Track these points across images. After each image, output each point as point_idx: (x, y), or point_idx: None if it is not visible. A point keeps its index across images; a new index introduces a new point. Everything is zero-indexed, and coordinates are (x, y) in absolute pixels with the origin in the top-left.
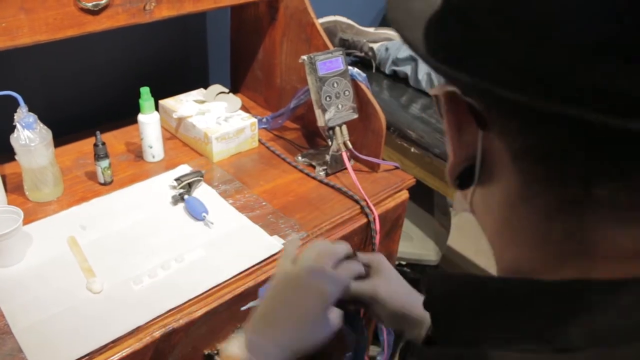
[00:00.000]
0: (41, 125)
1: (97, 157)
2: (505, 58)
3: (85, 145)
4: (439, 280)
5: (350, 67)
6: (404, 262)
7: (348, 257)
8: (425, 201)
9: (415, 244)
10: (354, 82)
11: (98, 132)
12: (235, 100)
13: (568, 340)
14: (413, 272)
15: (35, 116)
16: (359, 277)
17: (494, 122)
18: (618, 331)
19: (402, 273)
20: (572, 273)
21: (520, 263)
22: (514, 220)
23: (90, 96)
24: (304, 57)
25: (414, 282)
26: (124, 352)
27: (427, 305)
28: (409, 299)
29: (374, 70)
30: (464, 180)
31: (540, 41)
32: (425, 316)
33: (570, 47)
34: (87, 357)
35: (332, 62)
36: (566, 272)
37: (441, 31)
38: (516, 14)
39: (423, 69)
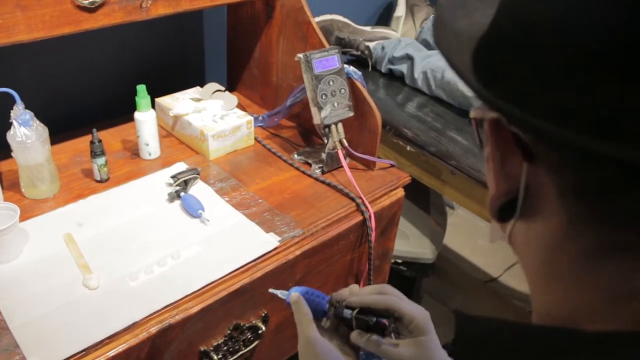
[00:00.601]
0: (37, 122)
1: (94, 155)
2: (557, 94)
3: (82, 143)
4: (468, 325)
5: (346, 66)
6: (399, 260)
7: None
8: (421, 199)
9: (412, 242)
10: (349, 80)
11: (94, 130)
12: (232, 98)
13: None
14: (409, 271)
15: (32, 113)
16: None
17: (541, 155)
18: None
19: (398, 272)
20: (620, 323)
21: (562, 308)
22: (558, 260)
23: (87, 94)
24: (300, 55)
25: (410, 280)
26: (121, 348)
27: (454, 354)
28: None
29: (370, 69)
30: (505, 212)
31: (590, 82)
32: None
33: (621, 89)
34: (83, 353)
35: (328, 60)
36: (614, 320)
37: (490, 60)
38: (574, 51)
39: (419, 68)
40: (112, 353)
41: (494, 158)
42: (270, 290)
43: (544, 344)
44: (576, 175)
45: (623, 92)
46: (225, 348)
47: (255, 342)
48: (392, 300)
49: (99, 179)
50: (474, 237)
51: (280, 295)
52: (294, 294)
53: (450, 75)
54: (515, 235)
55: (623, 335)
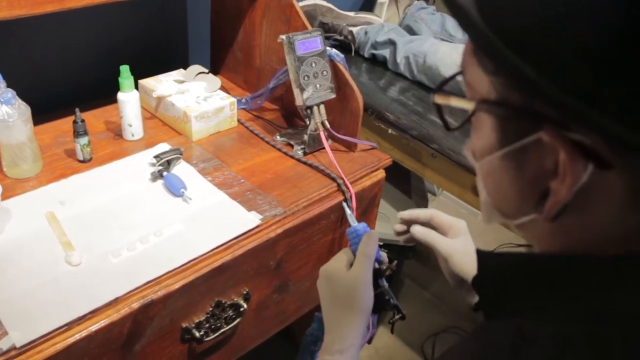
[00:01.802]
0: (20, 100)
1: (77, 134)
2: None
3: (65, 124)
4: (490, 259)
5: (328, 48)
6: (381, 243)
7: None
8: (403, 183)
9: (392, 225)
10: (332, 62)
11: (77, 109)
12: (215, 80)
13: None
14: (390, 253)
15: (14, 92)
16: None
17: (620, 159)
18: None
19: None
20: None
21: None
22: (591, 237)
23: (70, 75)
24: (283, 36)
25: (391, 263)
26: (103, 323)
27: (476, 284)
28: (472, 269)
29: (353, 54)
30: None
31: None
32: None
33: None
34: (65, 327)
35: (310, 42)
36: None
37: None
38: None
39: (401, 53)
40: (94, 327)
41: (568, 166)
42: (344, 204)
43: (559, 270)
44: None
45: None
46: (207, 325)
47: (237, 320)
48: (434, 211)
49: (81, 159)
50: None
51: (349, 218)
52: (374, 232)
53: (432, 60)
54: (535, 224)
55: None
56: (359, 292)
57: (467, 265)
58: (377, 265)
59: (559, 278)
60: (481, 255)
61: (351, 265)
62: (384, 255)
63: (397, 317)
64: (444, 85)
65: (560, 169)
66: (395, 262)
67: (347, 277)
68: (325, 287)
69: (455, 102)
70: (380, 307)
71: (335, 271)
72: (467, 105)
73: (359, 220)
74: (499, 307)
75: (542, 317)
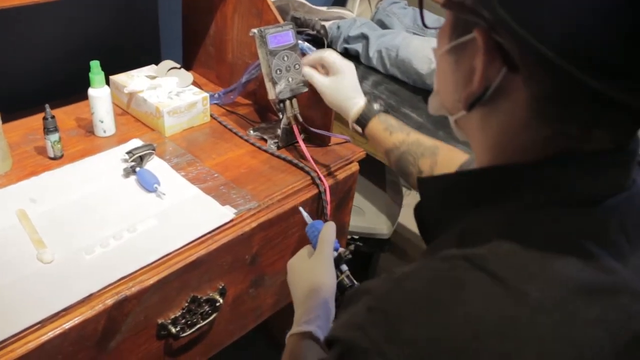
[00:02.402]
0: None
1: (47, 131)
2: (559, 23)
3: (34, 121)
4: (428, 184)
5: (300, 42)
6: (356, 236)
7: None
8: (377, 177)
9: (367, 219)
10: (304, 56)
11: (47, 106)
12: (187, 75)
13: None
14: (366, 247)
15: None
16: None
17: (526, 67)
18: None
19: (355, 247)
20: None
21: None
22: (509, 140)
23: (39, 71)
24: (255, 30)
25: (366, 256)
26: (77, 320)
27: (418, 210)
28: (345, 102)
29: (325, 48)
30: (472, 105)
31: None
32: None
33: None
34: (38, 325)
35: (282, 36)
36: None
37: None
38: None
39: (374, 47)
40: (67, 325)
41: (483, 63)
42: (301, 208)
43: (492, 179)
44: (553, 87)
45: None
46: (183, 321)
47: (213, 315)
48: (324, 52)
49: (52, 156)
50: None
51: (305, 217)
52: (331, 222)
53: (405, 54)
54: (468, 120)
55: (555, 157)
56: (320, 272)
57: (336, 99)
58: (336, 253)
59: (491, 187)
60: (421, 181)
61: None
62: (341, 248)
63: None
64: None
65: (476, 63)
66: (352, 246)
67: (309, 262)
68: (290, 276)
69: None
70: (344, 292)
71: (298, 262)
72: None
73: (333, 214)
74: (441, 226)
75: (481, 217)
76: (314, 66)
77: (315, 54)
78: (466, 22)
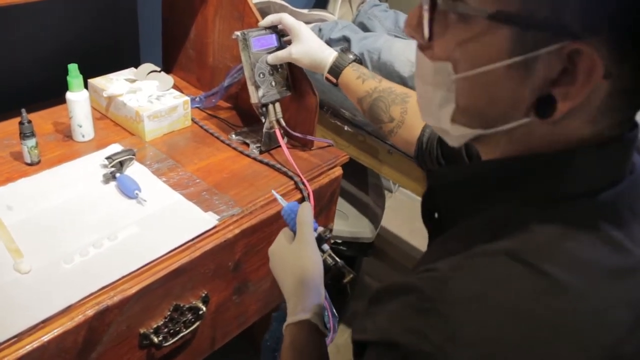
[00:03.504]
0: None
1: (23, 136)
2: None
3: (10, 126)
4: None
5: (284, 44)
6: (339, 241)
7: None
8: (360, 181)
9: (351, 223)
10: None
11: (23, 110)
12: (167, 78)
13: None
14: (349, 251)
15: None
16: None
17: (615, 67)
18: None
19: (338, 252)
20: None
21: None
22: (557, 136)
23: (15, 75)
24: (238, 33)
25: (350, 260)
26: (56, 332)
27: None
28: (318, 55)
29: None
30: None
31: None
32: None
33: None
34: (15, 339)
35: (265, 39)
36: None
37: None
38: None
39: (356, 49)
40: (46, 337)
41: (585, 72)
42: (273, 191)
43: (507, 170)
44: (632, 76)
45: None
46: (165, 330)
47: (197, 324)
48: (281, 15)
49: (29, 161)
50: (412, 220)
51: (279, 200)
52: (307, 203)
53: (387, 56)
54: (531, 127)
55: (577, 149)
56: (306, 256)
57: (310, 58)
58: (316, 234)
59: (512, 176)
60: (435, 172)
61: (293, 240)
62: (320, 228)
63: (349, 277)
64: None
65: (580, 76)
66: (332, 224)
67: (292, 248)
68: (275, 264)
69: (462, 8)
70: (328, 272)
71: (279, 247)
72: (475, 12)
73: (316, 216)
74: (458, 215)
75: (510, 207)
76: (272, 27)
77: (273, 16)
78: (539, 32)
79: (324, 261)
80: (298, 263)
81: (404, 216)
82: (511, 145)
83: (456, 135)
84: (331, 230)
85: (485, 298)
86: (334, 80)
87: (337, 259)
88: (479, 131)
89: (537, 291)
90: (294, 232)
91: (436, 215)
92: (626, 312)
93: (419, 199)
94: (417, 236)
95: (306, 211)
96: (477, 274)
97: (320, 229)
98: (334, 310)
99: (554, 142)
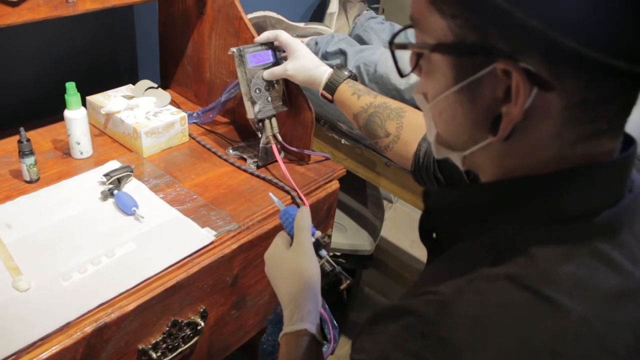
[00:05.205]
0: None
1: (22, 154)
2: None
3: (9, 144)
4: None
5: (280, 60)
6: (338, 253)
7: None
8: (358, 193)
9: (349, 235)
10: None
11: (22, 128)
12: (164, 95)
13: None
14: (348, 263)
15: None
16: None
17: (559, 80)
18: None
19: (337, 263)
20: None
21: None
22: (533, 155)
23: (13, 93)
24: (234, 49)
25: (349, 272)
26: (54, 349)
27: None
28: (313, 72)
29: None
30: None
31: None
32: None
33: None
34: (14, 357)
35: (261, 55)
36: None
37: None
38: None
39: (352, 62)
40: (44, 355)
41: (519, 90)
42: (270, 194)
43: (506, 192)
44: (587, 87)
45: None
46: (164, 345)
47: (195, 339)
48: (278, 32)
49: (28, 179)
50: (413, 230)
51: (277, 203)
52: (305, 207)
53: (383, 69)
54: (486, 150)
55: (576, 169)
56: (304, 263)
57: (305, 74)
58: (314, 239)
59: (511, 198)
60: (431, 194)
61: (291, 244)
62: (317, 232)
63: (346, 283)
64: (397, 36)
65: (513, 93)
66: (331, 230)
67: (289, 253)
68: (272, 270)
69: (412, 48)
70: (325, 278)
71: (276, 252)
72: (421, 50)
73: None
74: (456, 236)
75: (511, 230)
76: (268, 43)
77: (269, 32)
78: (474, 56)
79: (322, 267)
80: (295, 270)
81: (404, 227)
82: (495, 167)
83: (444, 155)
84: (330, 237)
85: (485, 323)
86: (329, 96)
87: (334, 264)
88: (457, 153)
89: (539, 316)
90: (291, 236)
91: (434, 235)
92: (628, 335)
93: (418, 210)
94: (417, 247)
95: (304, 215)
96: (477, 298)
97: (318, 233)
98: (335, 322)
99: (535, 160)
